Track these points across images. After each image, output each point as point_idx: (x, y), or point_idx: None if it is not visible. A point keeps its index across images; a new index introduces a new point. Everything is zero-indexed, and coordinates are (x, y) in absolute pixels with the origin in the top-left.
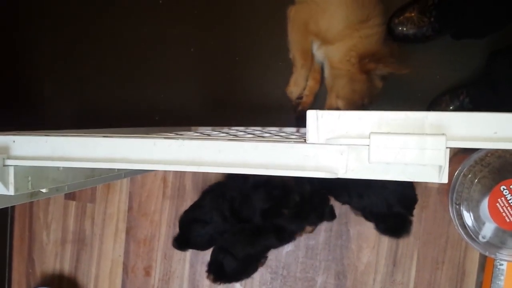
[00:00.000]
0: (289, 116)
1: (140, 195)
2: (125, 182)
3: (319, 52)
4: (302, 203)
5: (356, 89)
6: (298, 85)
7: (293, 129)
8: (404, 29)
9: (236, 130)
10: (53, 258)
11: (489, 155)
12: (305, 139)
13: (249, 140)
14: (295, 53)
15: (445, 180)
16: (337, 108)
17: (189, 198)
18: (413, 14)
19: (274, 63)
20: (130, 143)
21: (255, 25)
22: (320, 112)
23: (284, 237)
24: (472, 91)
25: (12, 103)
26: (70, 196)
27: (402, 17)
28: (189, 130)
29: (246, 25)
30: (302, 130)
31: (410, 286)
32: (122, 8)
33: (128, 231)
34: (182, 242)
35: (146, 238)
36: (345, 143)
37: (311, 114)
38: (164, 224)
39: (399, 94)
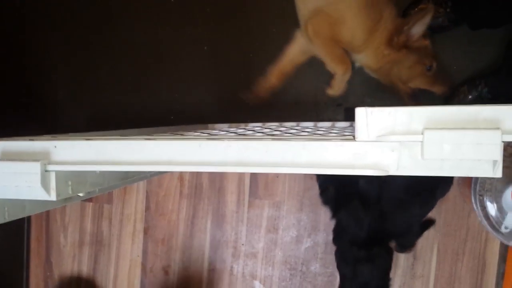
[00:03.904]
0: (306, 110)
1: (157, 194)
2: (142, 182)
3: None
4: None
5: (410, 65)
6: (338, 89)
7: (310, 124)
8: None
9: (252, 126)
10: (71, 260)
11: (511, 145)
12: (353, 137)
13: (296, 139)
14: (333, 65)
15: (499, 174)
16: (412, 91)
17: (206, 197)
18: (428, 5)
19: None
20: (176, 146)
21: (269, 20)
22: (369, 109)
23: None
24: (490, 81)
25: (26, 106)
26: (86, 198)
27: (417, 8)
28: (206, 128)
29: (259, 21)
30: (337, 124)
31: (430, 279)
32: (134, 9)
33: (146, 231)
34: None
35: (164, 237)
36: (397, 140)
37: (360, 112)
38: (182, 223)
39: None
